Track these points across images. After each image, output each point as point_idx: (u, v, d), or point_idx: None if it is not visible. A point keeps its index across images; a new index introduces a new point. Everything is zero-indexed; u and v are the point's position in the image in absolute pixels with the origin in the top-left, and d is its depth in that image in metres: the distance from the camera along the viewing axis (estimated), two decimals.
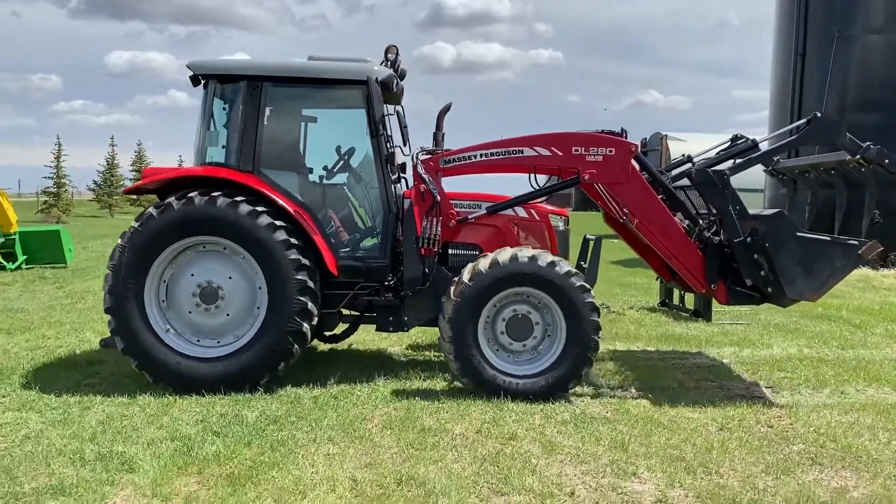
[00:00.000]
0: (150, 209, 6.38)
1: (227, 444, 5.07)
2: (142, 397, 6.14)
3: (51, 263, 15.99)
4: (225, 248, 6.44)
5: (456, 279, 6.30)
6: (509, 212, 7.04)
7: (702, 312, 10.20)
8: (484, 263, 6.25)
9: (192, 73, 6.88)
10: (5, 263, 15.34)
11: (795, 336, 9.20)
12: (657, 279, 11.29)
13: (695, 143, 16.22)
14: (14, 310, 10.50)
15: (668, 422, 5.69)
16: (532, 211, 7.11)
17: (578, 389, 6.57)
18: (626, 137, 7.19)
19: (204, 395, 6.20)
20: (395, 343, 8.50)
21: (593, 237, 7.20)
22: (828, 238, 6.36)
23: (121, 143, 64.44)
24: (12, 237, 15.73)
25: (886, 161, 6.34)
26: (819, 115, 6.42)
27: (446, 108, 7.47)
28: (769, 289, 6.41)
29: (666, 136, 28.27)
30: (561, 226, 7.27)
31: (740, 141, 7.09)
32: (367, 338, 8.59)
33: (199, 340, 6.48)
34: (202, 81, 6.90)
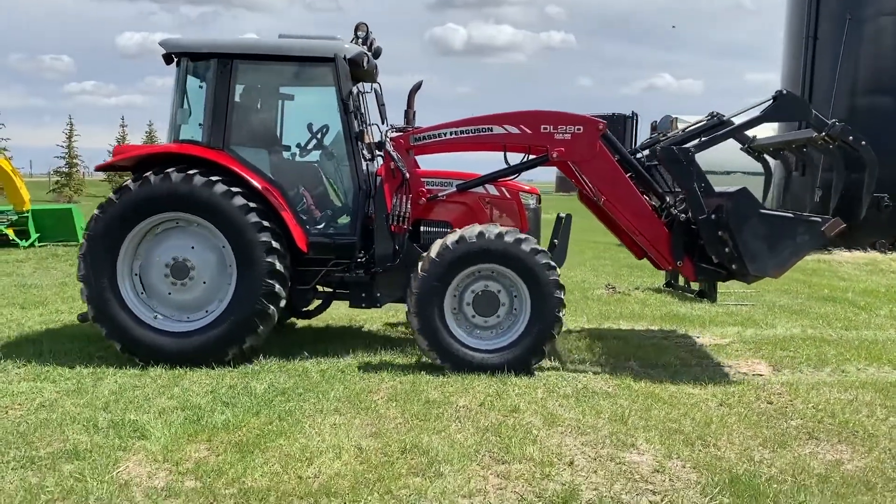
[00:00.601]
0: (129, 182, 6.48)
1: (235, 413, 5.20)
2: (153, 369, 6.27)
3: (63, 241, 16.18)
4: (198, 225, 6.53)
5: (424, 255, 6.40)
6: (480, 190, 7.08)
7: (707, 293, 10.28)
8: (451, 239, 6.33)
9: (164, 52, 6.94)
10: (19, 241, 15.55)
11: (800, 317, 9.26)
12: None
13: None
14: (28, 285, 10.67)
15: (669, 397, 5.78)
16: (503, 189, 7.15)
17: (581, 366, 6.68)
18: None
19: (214, 368, 6.34)
20: (402, 319, 8.61)
21: (565, 215, 7.26)
22: (791, 215, 6.40)
23: (131, 124, 64.87)
24: (25, 215, 15.93)
25: (851, 138, 6.39)
26: (785, 91, 6.47)
27: (417, 86, 7.55)
28: (733, 265, 6.49)
29: (677, 118, 28.09)
30: (532, 203, 7.30)
31: (725, 119, 7.11)
32: (374, 315, 8.71)
33: (169, 314, 6.58)
34: (175, 60, 6.96)
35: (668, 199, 7.12)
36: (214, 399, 5.53)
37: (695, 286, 10.53)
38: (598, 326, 8.57)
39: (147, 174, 6.40)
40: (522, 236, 6.37)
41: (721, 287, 10.49)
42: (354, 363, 6.59)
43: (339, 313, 8.62)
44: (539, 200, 7.46)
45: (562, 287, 6.34)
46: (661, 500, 4.03)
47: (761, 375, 6.55)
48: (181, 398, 5.56)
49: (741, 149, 7.85)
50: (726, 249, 6.41)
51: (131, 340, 6.44)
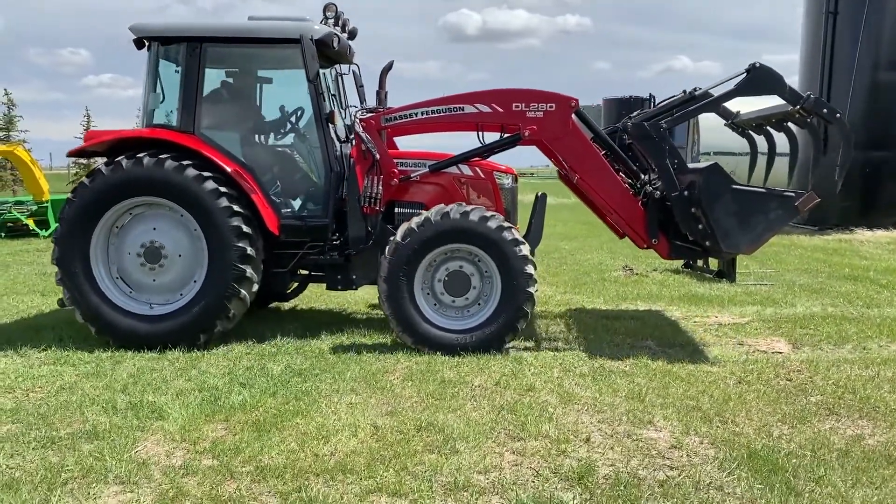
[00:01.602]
0: (100, 166, 6.50)
1: (252, 394, 5.23)
2: (171, 353, 6.32)
3: None
4: (170, 210, 6.54)
5: (391, 239, 6.36)
6: (454, 170, 7.00)
7: (726, 273, 10.14)
8: (416, 221, 6.30)
9: (134, 37, 6.93)
10: (39, 230, 15.71)
11: (820, 295, 9.14)
12: None
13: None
14: (48, 273, 10.76)
15: (686, 375, 5.74)
16: (477, 169, 7.06)
17: (597, 346, 6.65)
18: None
19: (232, 350, 6.38)
20: None
21: (540, 194, 7.17)
22: (763, 190, 6.29)
23: None
24: (45, 205, 16.08)
25: (824, 110, 6.28)
26: (758, 64, 6.35)
27: (388, 67, 7.51)
28: (706, 242, 6.42)
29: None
30: (507, 183, 7.21)
31: (698, 94, 6.98)
32: None
33: (142, 298, 6.63)
34: (146, 44, 6.95)
35: (643, 176, 7.03)
36: (231, 380, 5.56)
37: (713, 266, 10.43)
38: (616, 307, 8.53)
39: (119, 159, 6.42)
40: (489, 214, 6.31)
41: (740, 267, 10.38)
42: (369, 344, 6.61)
43: (357, 295, 8.62)
44: (515, 180, 7.38)
45: (531, 263, 6.28)
46: (679, 476, 4.00)
47: (781, 353, 6.49)
48: (198, 380, 5.59)
49: (725, 124, 7.72)
50: (699, 226, 6.33)
51: (106, 324, 6.50)
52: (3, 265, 11.81)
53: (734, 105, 7.07)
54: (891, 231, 16.38)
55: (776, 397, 5.26)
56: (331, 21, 7.12)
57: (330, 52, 7.02)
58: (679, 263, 11.32)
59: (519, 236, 6.32)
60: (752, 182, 7.29)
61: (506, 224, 6.31)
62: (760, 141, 7.52)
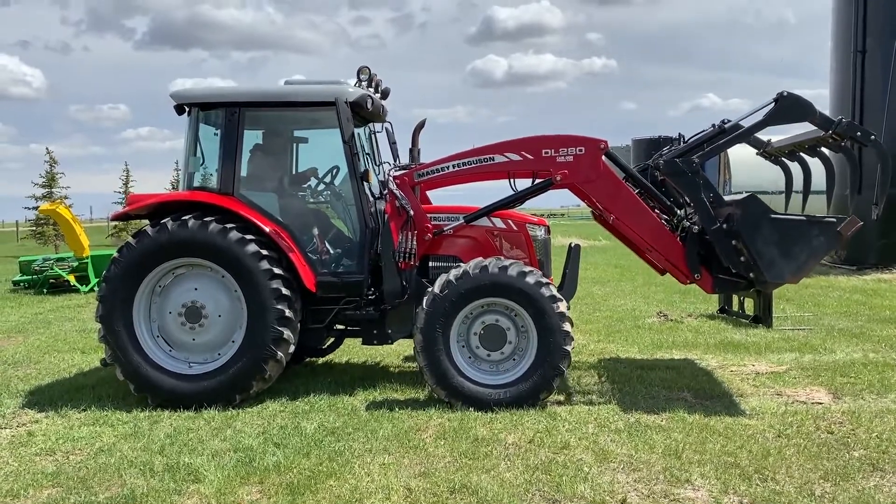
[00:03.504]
0: (146, 228, 6.69)
1: (286, 454, 5.25)
2: (206, 412, 6.39)
3: None
4: (211, 270, 6.68)
5: (428, 290, 6.39)
6: (487, 223, 7.08)
7: (762, 318, 9.96)
8: (455, 273, 6.32)
9: (175, 103, 7.18)
10: (79, 286, 16.06)
11: (861, 340, 8.95)
12: None
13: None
14: (88, 330, 10.99)
15: (724, 429, 5.64)
16: (510, 221, 7.14)
17: (633, 399, 6.57)
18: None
19: (267, 408, 6.43)
20: None
21: (574, 244, 7.15)
22: (803, 218, 6.24)
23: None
24: (85, 261, 16.46)
25: (858, 133, 6.23)
26: (786, 93, 6.33)
27: (421, 125, 7.66)
28: (750, 274, 6.36)
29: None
30: (540, 235, 7.26)
31: (728, 126, 6.97)
32: None
33: (181, 356, 6.73)
34: (186, 110, 7.19)
35: (679, 212, 7.02)
36: (266, 440, 5.60)
37: (749, 311, 10.27)
38: (651, 356, 8.43)
39: (165, 221, 6.61)
40: (527, 269, 6.33)
41: (777, 310, 10.22)
42: (402, 399, 6.61)
43: (390, 348, 8.65)
44: (548, 231, 7.44)
45: (569, 319, 6.26)
46: None
47: (821, 404, 6.35)
48: (233, 440, 5.64)
49: (757, 153, 7.69)
50: (741, 259, 6.31)
51: (145, 382, 6.60)
52: (45, 322, 12.08)
53: (765, 135, 7.06)
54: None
55: (817, 452, 5.14)
56: (364, 83, 7.32)
57: (364, 113, 7.22)
58: (714, 307, 11.21)
59: (557, 293, 6.31)
60: (789, 210, 7.25)
61: (544, 280, 6.32)
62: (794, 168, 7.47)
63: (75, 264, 16.49)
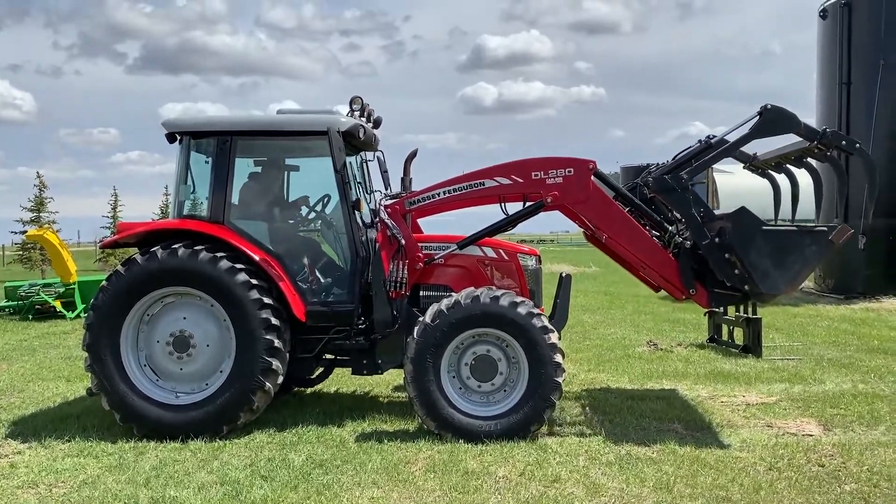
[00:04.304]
0: (136, 256, 6.64)
1: (274, 488, 5.18)
2: (193, 443, 6.30)
3: None
4: (200, 299, 6.63)
5: (419, 320, 6.37)
6: (478, 252, 7.07)
7: (752, 348, 10.04)
8: (446, 303, 6.30)
9: (166, 132, 7.17)
10: (66, 312, 15.91)
11: (849, 371, 8.97)
12: (705, 314, 11.21)
13: (742, 176, 16.03)
14: (74, 357, 10.86)
15: (715, 462, 5.61)
16: (501, 250, 7.13)
17: (623, 431, 6.53)
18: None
19: (254, 439, 6.35)
20: None
21: (565, 275, 7.16)
22: (794, 228, 6.29)
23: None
24: (72, 287, 16.32)
25: (843, 142, 6.29)
26: (769, 106, 6.40)
27: (412, 155, 7.72)
28: (745, 286, 6.38)
29: (712, 168, 28.03)
30: (531, 265, 7.25)
31: (714, 141, 7.00)
32: None
33: (168, 386, 6.66)
34: (178, 138, 7.18)
35: (671, 228, 7.06)
36: (253, 473, 5.52)
37: (738, 340, 10.31)
38: (641, 386, 8.41)
39: (154, 249, 6.56)
40: (519, 299, 6.31)
41: (766, 340, 10.26)
42: (392, 431, 6.55)
43: (380, 377, 8.59)
44: (539, 261, 7.43)
45: (560, 351, 6.23)
46: None
47: (811, 436, 6.33)
48: (220, 472, 5.56)
49: (744, 167, 7.75)
50: (736, 272, 6.33)
51: (131, 412, 6.51)
52: (29, 349, 11.94)
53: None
54: None
55: (808, 486, 5.12)
56: (356, 112, 7.35)
57: (356, 142, 7.24)
58: (704, 336, 11.24)
59: (548, 323, 6.29)
60: (779, 220, 7.28)
61: (535, 310, 6.30)
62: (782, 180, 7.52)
63: (62, 290, 16.35)
